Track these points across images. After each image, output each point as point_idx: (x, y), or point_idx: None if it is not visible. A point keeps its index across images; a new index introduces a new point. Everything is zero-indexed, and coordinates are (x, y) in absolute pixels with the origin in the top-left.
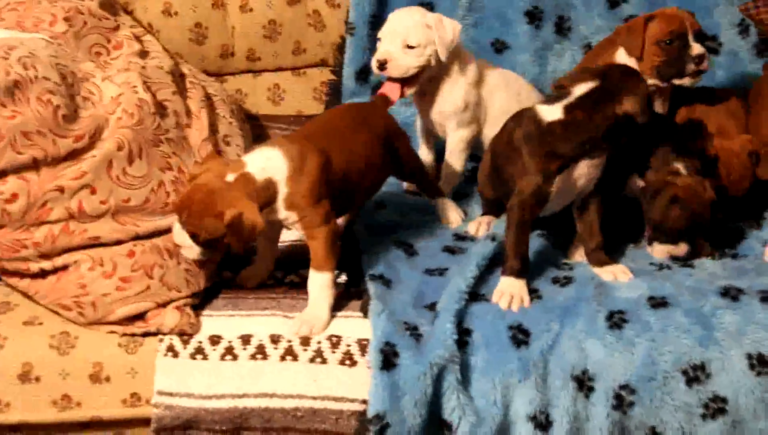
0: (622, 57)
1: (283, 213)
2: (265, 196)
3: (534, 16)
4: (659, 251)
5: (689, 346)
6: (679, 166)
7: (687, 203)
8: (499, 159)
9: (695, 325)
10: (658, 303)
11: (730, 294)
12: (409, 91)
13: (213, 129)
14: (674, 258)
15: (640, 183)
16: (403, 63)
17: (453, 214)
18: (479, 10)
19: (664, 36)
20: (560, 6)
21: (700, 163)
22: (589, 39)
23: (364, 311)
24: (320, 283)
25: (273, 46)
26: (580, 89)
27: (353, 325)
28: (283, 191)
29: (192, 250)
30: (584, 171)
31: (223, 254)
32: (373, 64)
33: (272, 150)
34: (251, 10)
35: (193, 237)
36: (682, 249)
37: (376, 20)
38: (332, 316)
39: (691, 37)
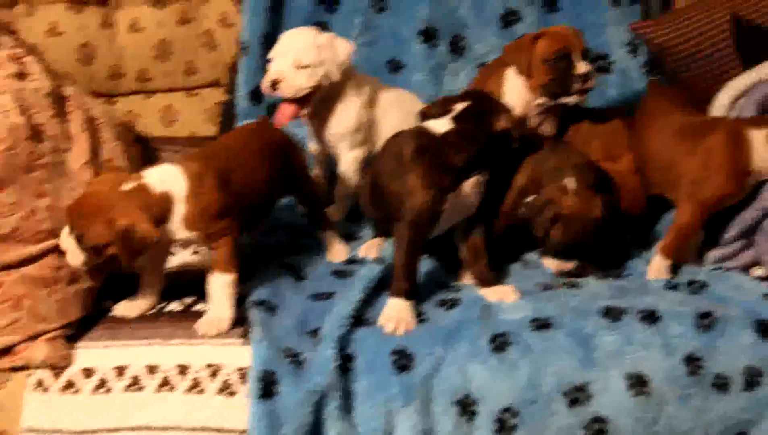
0: (511, 75)
1: (182, 233)
2: (160, 211)
3: (429, 35)
4: (551, 265)
5: (570, 367)
6: (569, 182)
7: (569, 222)
8: (382, 179)
9: (577, 346)
10: (541, 325)
11: (612, 314)
12: (303, 112)
13: (94, 152)
14: (565, 274)
15: (528, 199)
16: (295, 82)
17: (337, 249)
18: (374, 30)
19: (551, 54)
20: (455, 25)
21: (595, 179)
22: (484, 58)
23: (245, 338)
24: (223, 283)
25: (164, 66)
26: (459, 106)
27: (233, 353)
28: (180, 211)
29: (76, 256)
30: (473, 188)
31: (108, 268)
32: (265, 84)
33: (172, 167)
34: (141, 29)
35: (80, 242)
36: (570, 265)
37: (269, 40)
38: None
39: (577, 56)
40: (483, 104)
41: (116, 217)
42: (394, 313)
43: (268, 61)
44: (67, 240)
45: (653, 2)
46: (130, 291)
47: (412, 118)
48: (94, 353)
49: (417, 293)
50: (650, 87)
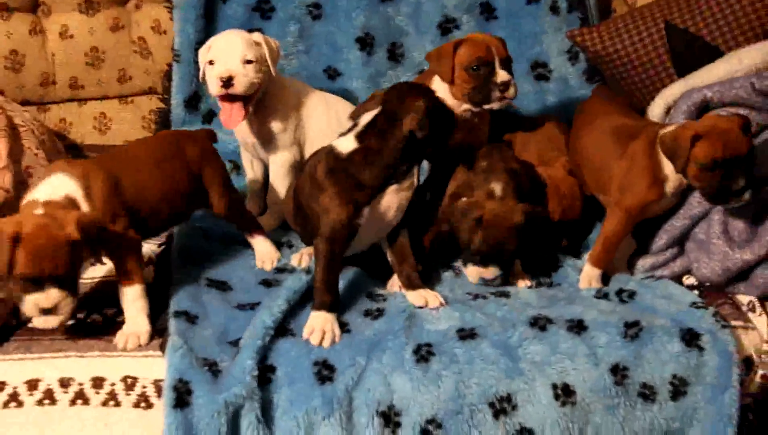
0: (437, 82)
1: None
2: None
3: (366, 43)
4: (471, 273)
5: (495, 377)
6: (496, 188)
7: (491, 227)
8: (302, 197)
9: (502, 356)
10: (466, 335)
11: (539, 324)
12: (250, 108)
13: (14, 159)
14: (486, 281)
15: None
16: (247, 78)
17: (267, 256)
18: (310, 38)
19: (471, 62)
20: (392, 33)
21: (524, 185)
22: (422, 65)
23: (163, 349)
24: (133, 295)
25: (97, 73)
26: (365, 118)
27: (151, 365)
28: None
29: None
30: (393, 199)
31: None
32: (215, 84)
33: (56, 175)
34: (72, 36)
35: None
36: (490, 272)
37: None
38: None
39: (497, 64)
40: (390, 108)
41: (66, 229)
42: (318, 326)
43: (210, 63)
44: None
45: (591, 10)
46: None
47: (340, 121)
48: (6, 367)
49: (339, 305)
50: (595, 90)
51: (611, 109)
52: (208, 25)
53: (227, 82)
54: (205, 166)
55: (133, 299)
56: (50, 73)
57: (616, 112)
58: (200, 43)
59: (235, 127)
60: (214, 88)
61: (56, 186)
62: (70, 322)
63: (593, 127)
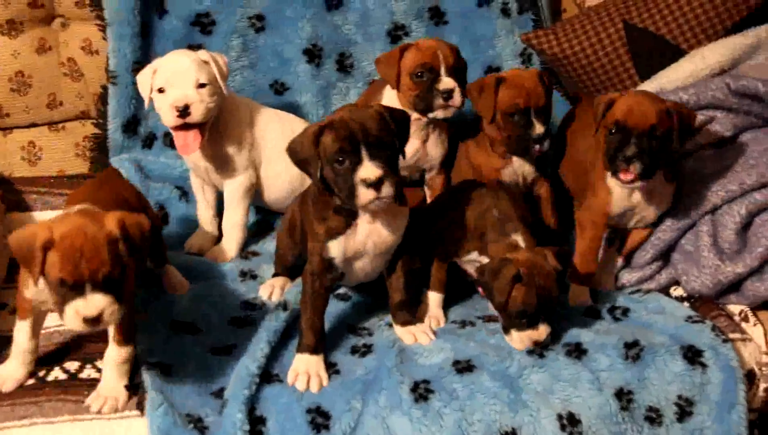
0: (388, 89)
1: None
2: None
3: (313, 54)
4: (518, 341)
5: (498, 411)
6: (518, 239)
7: (531, 280)
8: (298, 217)
9: (503, 388)
10: (463, 367)
11: (536, 351)
12: (206, 132)
13: None
14: (537, 345)
15: (477, 264)
16: (203, 105)
17: (178, 282)
18: (254, 51)
19: (415, 68)
20: (340, 43)
21: (533, 227)
22: (372, 75)
23: (141, 408)
24: (124, 357)
25: (23, 99)
26: None
27: (129, 427)
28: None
29: None
30: (369, 228)
31: None
32: (170, 114)
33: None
34: None
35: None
36: (542, 332)
37: (140, 67)
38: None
39: (443, 71)
40: None
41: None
42: (302, 369)
43: (160, 90)
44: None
45: (544, 11)
46: None
47: (288, 137)
48: None
49: (323, 346)
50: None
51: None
52: (145, 43)
53: (183, 111)
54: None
55: (122, 361)
56: None
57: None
58: (137, 62)
59: (191, 153)
60: (169, 118)
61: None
62: (30, 381)
63: (585, 135)
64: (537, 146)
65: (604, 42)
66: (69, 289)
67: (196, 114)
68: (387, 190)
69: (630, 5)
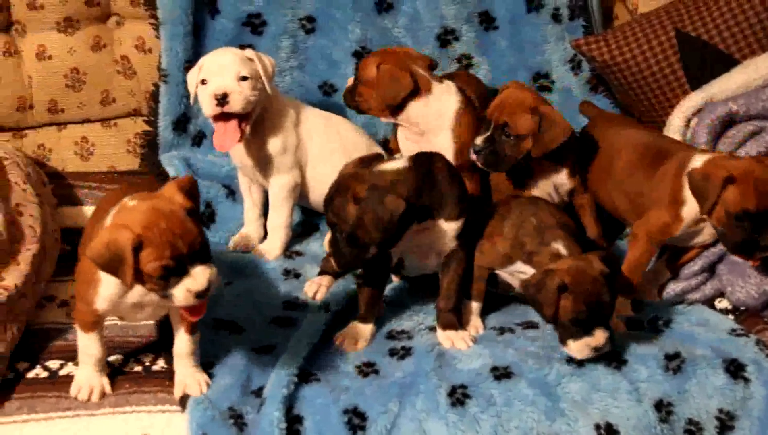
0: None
1: None
2: None
3: (362, 56)
4: (577, 350)
5: (535, 419)
6: (559, 247)
7: (577, 287)
8: None
9: (540, 396)
10: (501, 374)
11: (575, 359)
12: (247, 128)
13: (2, 196)
14: (597, 350)
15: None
16: (243, 95)
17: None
18: (304, 52)
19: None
20: (389, 44)
21: (575, 233)
22: None
23: (183, 404)
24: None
25: (77, 96)
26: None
27: (172, 422)
28: None
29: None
30: (413, 237)
31: None
32: (209, 103)
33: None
34: (50, 57)
35: None
36: (599, 338)
37: (191, 66)
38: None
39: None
40: None
41: None
42: (350, 332)
43: (203, 82)
44: None
45: (595, 17)
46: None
47: (340, 139)
48: (10, 430)
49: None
50: (585, 107)
51: (632, 127)
52: (197, 43)
53: (222, 99)
54: None
55: (194, 350)
56: (27, 97)
57: (640, 131)
58: (189, 61)
59: (229, 150)
60: (208, 107)
61: None
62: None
63: (620, 148)
64: (473, 155)
65: (656, 50)
66: (172, 273)
67: (235, 103)
68: None
69: (683, 13)
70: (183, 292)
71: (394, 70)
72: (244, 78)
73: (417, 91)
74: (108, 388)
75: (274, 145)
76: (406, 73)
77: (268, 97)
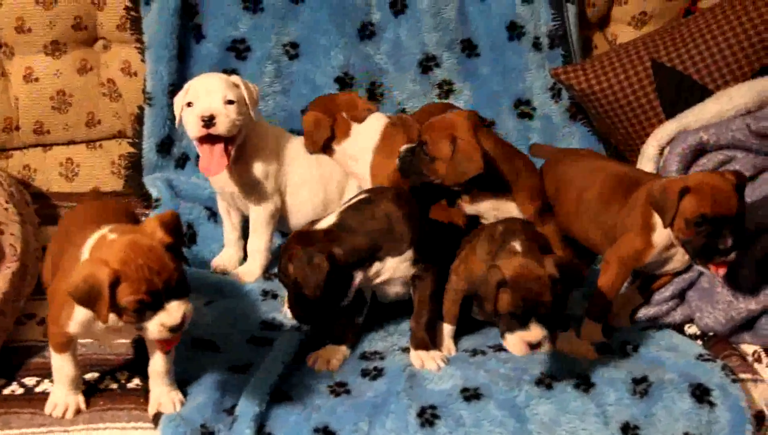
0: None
1: None
2: None
3: (344, 82)
4: (512, 344)
5: None
6: (516, 245)
7: (517, 284)
8: None
9: (509, 417)
10: (471, 395)
11: (545, 382)
12: (233, 152)
13: None
14: (533, 347)
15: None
16: (229, 118)
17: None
18: (287, 77)
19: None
20: (372, 71)
21: (544, 244)
22: (403, 104)
23: (156, 421)
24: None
25: (63, 117)
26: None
27: None
28: None
29: None
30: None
31: None
32: (196, 124)
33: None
34: (36, 79)
35: None
36: (536, 333)
37: (176, 90)
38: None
39: None
40: None
41: None
42: (324, 353)
43: (188, 104)
44: None
45: (574, 47)
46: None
47: (322, 167)
48: None
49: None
50: (534, 149)
51: (594, 159)
52: (182, 67)
53: (209, 121)
54: None
55: (169, 369)
56: (13, 118)
57: (606, 162)
58: (173, 85)
59: (216, 174)
60: (193, 128)
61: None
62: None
63: (588, 180)
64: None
65: (632, 79)
66: (147, 307)
67: (221, 126)
68: None
69: (659, 44)
70: (157, 326)
71: (318, 116)
72: (230, 102)
73: (333, 136)
74: (83, 406)
75: (256, 170)
76: (328, 119)
77: (252, 123)
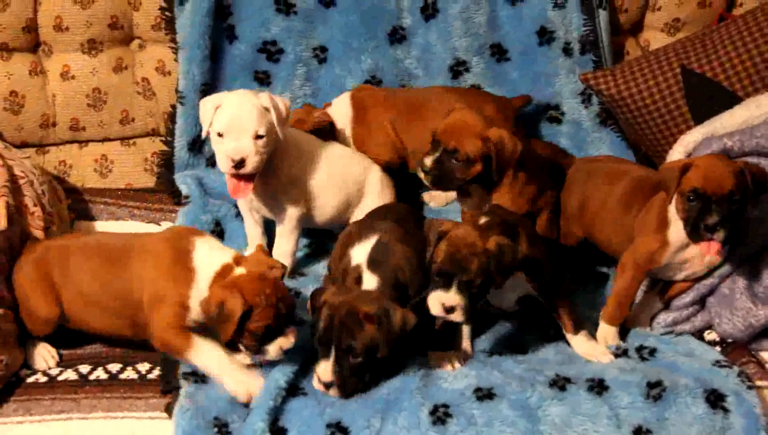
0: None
1: None
2: None
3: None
4: (430, 301)
5: None
6: (481, 220)
7: (453, 243)
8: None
9: (521, 417)
10: (484, 395)
11: (558, 384)
12: (258, 177)
13: (17, 215)
14: (446, 310)
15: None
16: (258, 157)
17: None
18: (317, 80)
19: None
20: (401, 76)
21: (513, 234)
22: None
23: (169, 411)
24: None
25: (98, 115)
26: None
27: (157, 428)
28: None
29: None
30: None
31: None
32: (226, 163)
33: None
34: (73, 77)
35: None
36: (451, 297)
37: (208, 89)
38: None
39: None
40: None
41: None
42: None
43: (219, 135)
44: None
45: (605, 52)
46: None
47: (334, 166)
48: (4, 431)
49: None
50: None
51: (624, 164)
52: (215, 66)
53: (239, 164)
54: None
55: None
56: (50, 115)
57: (631, 167)
58: (206, 84)
59: (243, 198)
60: (223, 165)
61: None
62: (72, 377)
63: (614, 185)
64: (422, 174)
65: (661, 85)
66: (271, 332)
67: (250, 166)
68: None
69: (689, 50)
70: (276, 348)
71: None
72: (260, 136)
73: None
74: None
75: (282, 185)
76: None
77: (279, 142)
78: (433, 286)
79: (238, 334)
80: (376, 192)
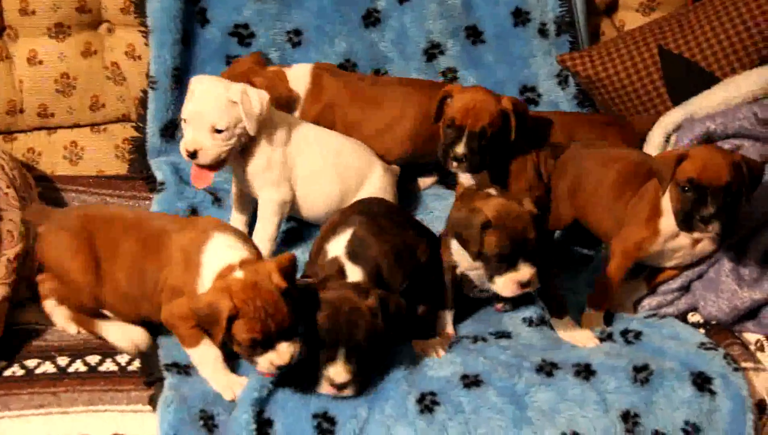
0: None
1: None
2: None
3: (348, 70)
4: (502, 286)
5: (502, 427)
6: (491, 190)
7: (501, 223)
8: None
9: (508, 404)
10: (471, 382)
11: (545, 369)
12: (221, 167)
13: None
14: (523, 286)
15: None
16: (213, 151)
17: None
18: (290, 64)
19: None
20: (376, 59)
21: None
22: None
23: (153, 404)
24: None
25: (67, 101)
26: None
27: (141, 421)
28: None
29: None
30: None
31: None
32: (183, 152)
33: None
34: (40, 62)
35: None
36: (525, 272)
37: (180, 73)
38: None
39: None
40: None
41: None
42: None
43: (183, 120)
44: None
45: (581, 33)
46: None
47: (329, 157)
48: None
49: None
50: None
51: (620, 149)
52: (186, 51)
53: (192, 154)
54: None
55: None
56: (17, 101)
57: (627, 152)
58: (177, 69)
59: (202, 187)
60: (182, 151)
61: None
62: (50, 370)
63: (608, 169)
64: (455, 163)
65: (639, 66)
66: (259, 345)
67: (204, 159)
68: None
69: (666, 31)
70: (266, 362)
71: (267, 77)
72: (218, 131)
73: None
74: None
75: (257, 162)
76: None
77: (266, 121)
78: (496, 271)
79: (229, 340)
80: (377, 190)
